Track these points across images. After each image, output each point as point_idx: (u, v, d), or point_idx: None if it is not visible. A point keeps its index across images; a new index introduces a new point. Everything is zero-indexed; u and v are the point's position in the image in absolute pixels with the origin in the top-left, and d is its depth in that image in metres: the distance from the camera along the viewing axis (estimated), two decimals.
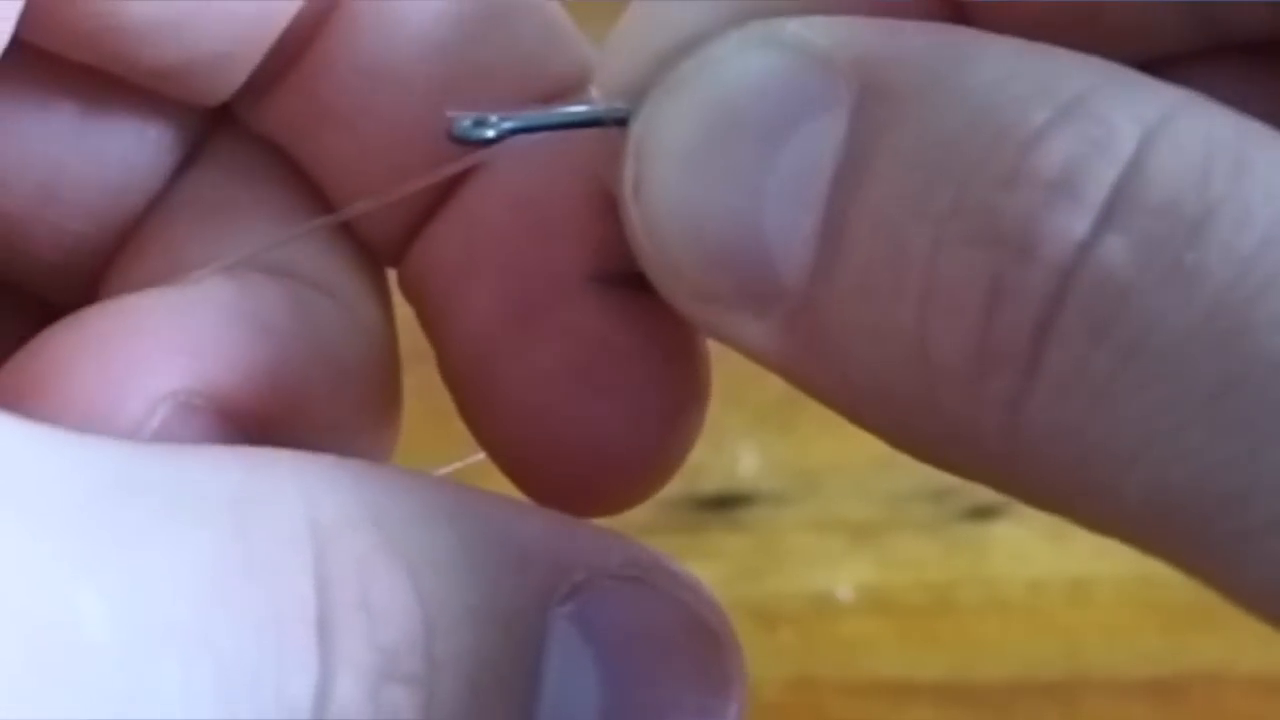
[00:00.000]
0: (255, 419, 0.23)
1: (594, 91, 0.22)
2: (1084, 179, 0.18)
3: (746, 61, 0.20)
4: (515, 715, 0.20)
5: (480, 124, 0.22)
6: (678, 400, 0.24)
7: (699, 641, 0.22)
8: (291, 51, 0.25)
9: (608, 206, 0.23)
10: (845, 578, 0.49)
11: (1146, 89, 0.19)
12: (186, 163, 0.26)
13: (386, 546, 0.20)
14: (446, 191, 0.25)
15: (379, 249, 0.26)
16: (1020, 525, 0.48)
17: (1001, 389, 0.18)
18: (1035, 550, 0.48)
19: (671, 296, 0.21)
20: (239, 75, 0.25)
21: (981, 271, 0.18)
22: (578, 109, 0.22)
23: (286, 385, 0.23)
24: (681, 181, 0.20)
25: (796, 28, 0.20)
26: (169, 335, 0.23)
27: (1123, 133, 0.18)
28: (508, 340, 0.24)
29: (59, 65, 0.25)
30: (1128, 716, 0.46)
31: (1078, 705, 0.47)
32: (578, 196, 0.24)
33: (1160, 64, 0.21)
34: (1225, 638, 0.43)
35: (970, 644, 0.48)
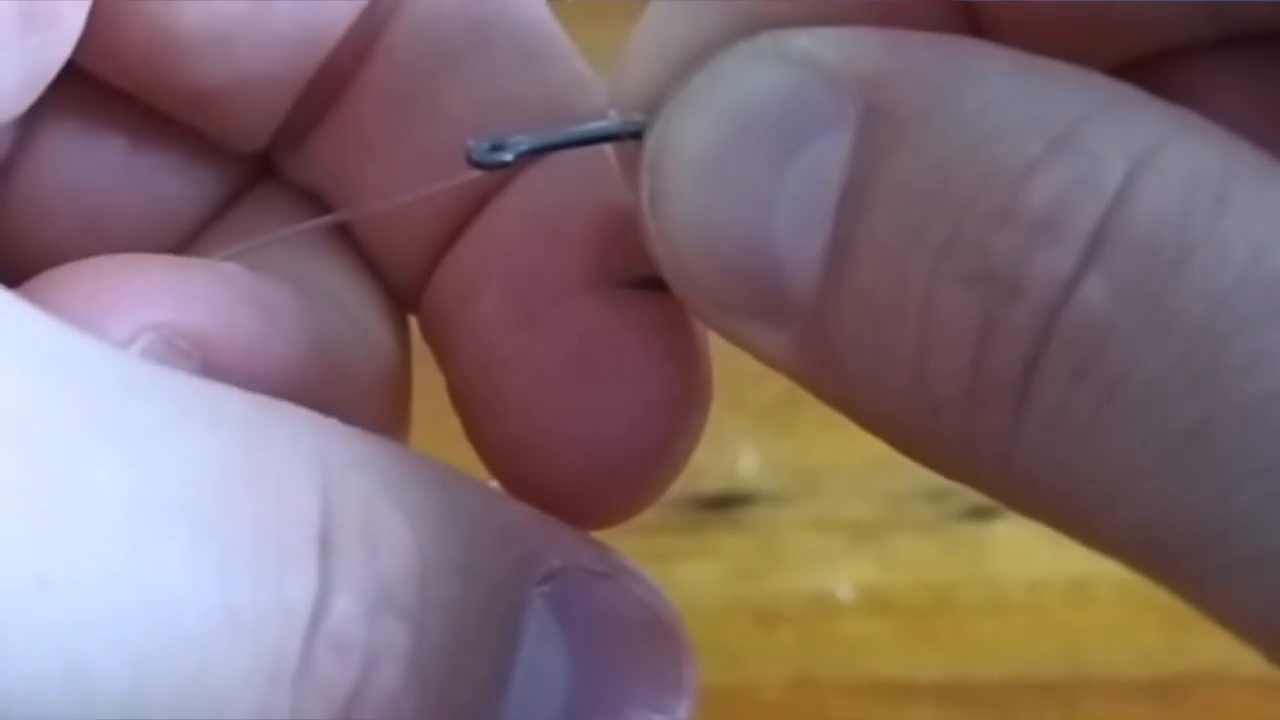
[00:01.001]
0: (241, 382, 0.23)
1: (610, 107, 0.22)
2: (1069, 218, 0.18)
3: (756, 77, 0.20)
4: (492, 680, 0.21)
5: (498, 148, 0.22)
6: (678, 399, 0.24)
7: (660, 642, 0.22)
8: (332, 87, 0.25)
9: (622, 212, 0.23)
10: (845, 578, 0.49)
11: (1138, 114, 0.19)
12: (225, 208, 0.27)
13: (389, 491, 0.21)
14: (463, 223, 0.25)
15: (401, 288, 0.26)
16: (1020, 525, 0.48)
17: (994, 423, 0.19)
18: (1035, 550, 0.48)
19: (690, 304, 0.21)
20: (281, 103, 0.25)
21: (974, 309, 0.19)
22: (594, 125, 0.22)
23: (278, 364, 0.23)
24: (695, 196, 0.20)
25: (805, 42, 0.20)
26: (163, 276, 0.23)
27: (1109, 167, 0.18)
28: (511, 340, 0.24)
29: (109, 98, 0.25)
30: (1128, 716, 0.46)
31: (1078, 705, 0.47)
32: (588, 203, 0.24)
33: (1171, 57, 0.21)
34: (1225, 638, 0.43)
35: (970, 644, 0.48)
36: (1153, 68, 0.21)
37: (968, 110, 0.19)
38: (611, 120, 0.22)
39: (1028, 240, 0.18)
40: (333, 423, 0.21)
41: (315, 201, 0.26)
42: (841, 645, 0.48)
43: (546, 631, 0.21)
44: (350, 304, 0.25)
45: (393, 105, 0.25)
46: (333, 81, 0.25)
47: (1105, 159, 0.18)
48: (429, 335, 0.26)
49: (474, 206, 0.25)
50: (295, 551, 0.20)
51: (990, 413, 0.19)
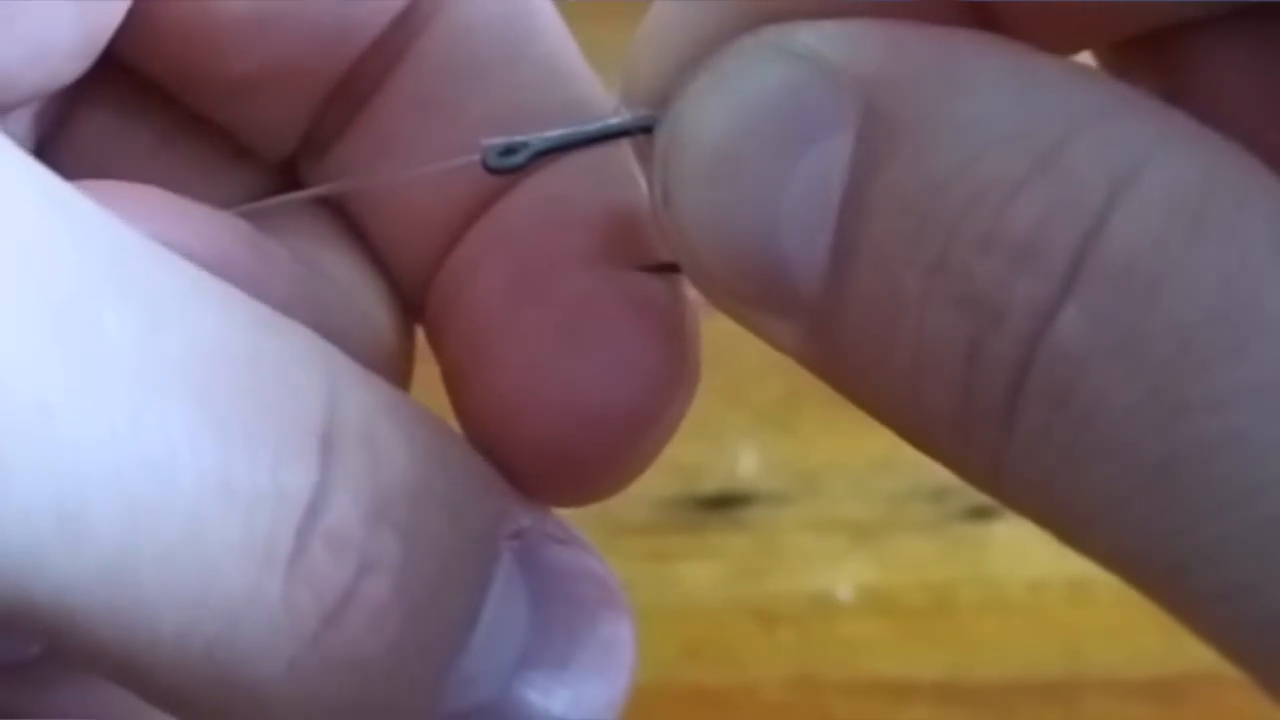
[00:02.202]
0: None
1: (621, 103, 0.23)
2: (1049, 246, 0.18)
3: (760, 75, 0.20)
4: (462, 620, 0.22)
5: (511, 151, 0.23)
6: (665, 375, 0.24)
7: (610, 613, 0.23)
8: (362, 90, 0.26)
9: (627, 200, 0.24)
10: (845, 578, 0.49)
11: (1125, 123, 0.19)
12: (247, 217, 0.27)
13: (390, 412, 0.21)
14: (472, 218, 0.25)
15: (409, 285, 0.26)
16: (1020, 525, 0.48)
17: (982, 441, 0.19)
18: (1035, 550, 0.48)
19: (706, 295, 0.22)
20: (312, 99, 0.26)
21: (961, 332, 0.19)
22: (606, 122, 0.23)
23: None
24: (704, 194, 0.21)
25: (807, 38, 0.20)
26: (164, 202, 0.24)
27: (1091, 190, 0.18)
28: (508, 309, 0.24)
29: (143, 94, 0.26)
30: (1128, 716, 0.46)
31: (1078, 705, 0.47)
32: (595, 191, 0.24)
33: (1177, 31, 0.21)
34: None
35: (970, 644, 0.48)
36: (1159, 42, 0.21)
37: (959, 121, 0.19)
38: (623, 117, 0.22)
39: (1009, 267, 0.18)
40: (336, 349, 0.22)
41: (337, 211, 0.27)
42: (841, 645, 0.48)
43: (512, 584, 0.22)
44: (354, 291, 0.26)
45: (420, 113, 0.25)
46: (363, 84, 0.26)
47: (1087, 180, 0.18)
48: (431, 328, 0.26)
49: (483, 202, 0.25)
50: (296, 441, 0.20)
51: (979, 431, 0.19)
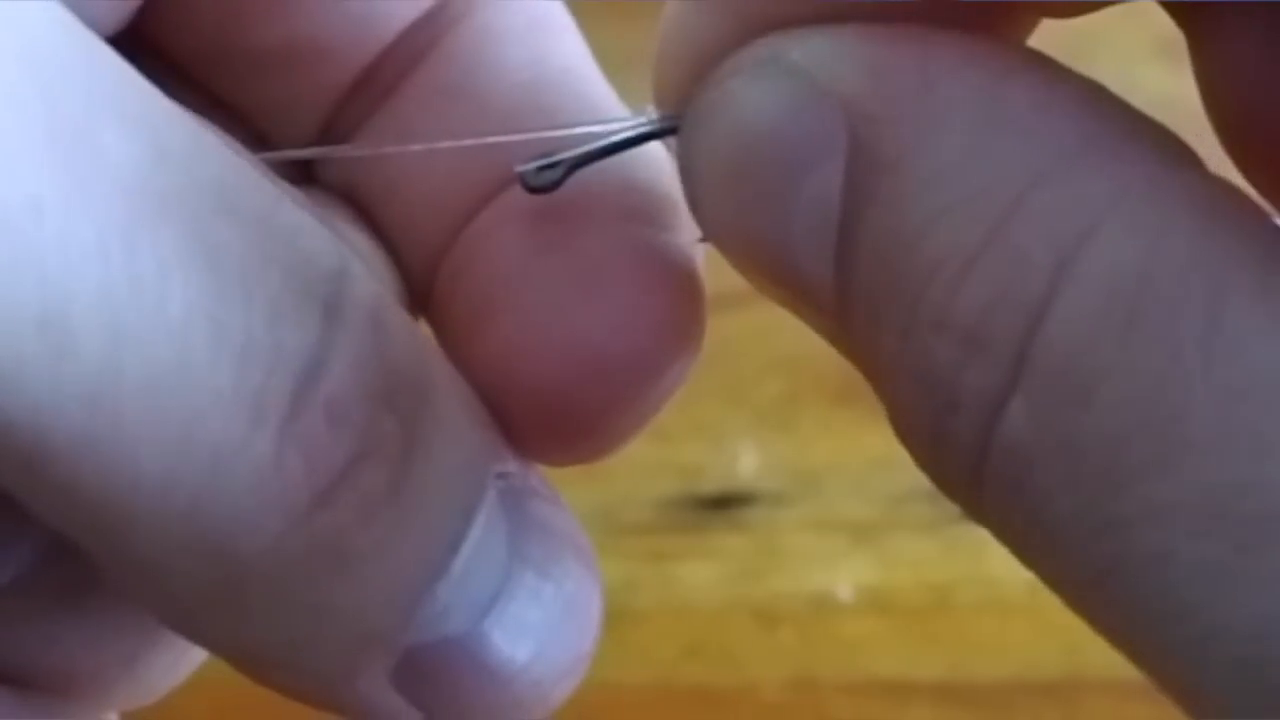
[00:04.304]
0: None
1: (651, 104, 0.23)
2: (995, 333, 0.18)
3: (759, 95, 0.20)
4: (446, 545, 0.21)
5: (548, 166, 0.23)
6: (672, 332, 0.24)
7: (583, 574, 0.23)
8: (386, 83, 0.26)
9: (649, 177, 0.24)
10: (845, 578, 0.49)
11: (1082, 179, 0.18)
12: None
13: (397, 310, 0.21)
14: (485, 201, 0.25)
15: (417, 274, 0.26)
16: None
17: (955, 496, 0.20)
18: None
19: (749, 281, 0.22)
20: (335, 83, 0.26)
21: (925, 410, 0.19)
22: (632, 125, 0.23)
23: None
24: (721, 205, 0.21)
25: (799, 56, 0.20)
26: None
27: (1035, 270, 0.18)
28: (519, 260, 0.24)
29: (160, 75, 0.26)
30: (1127, 716, 0.46)
31: (1078, 705, 0.47)
32: (620, 169, 0.24)
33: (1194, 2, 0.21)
34: None
35: (970, 644, 0.48)
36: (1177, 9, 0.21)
37: (925, 173, 0.19)
38: (650, 119, 0.23)
39: (961, 352, 0.18)
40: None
41: (348, 199, 0.27)
42: (841, 645, 0.48)
43: (494, 522, 0.22)
44: (363, 251, 0.26)
45: (442, 108, 0.25)
46: (387, 77, 0.26)
47: (1033, 259, 0.18)
48: (437, 306, 0.26)
49: (492, 195, 0.25)
50: (298, 300, 0.20)
51: (951, 490, 0.20)
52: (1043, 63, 0.20)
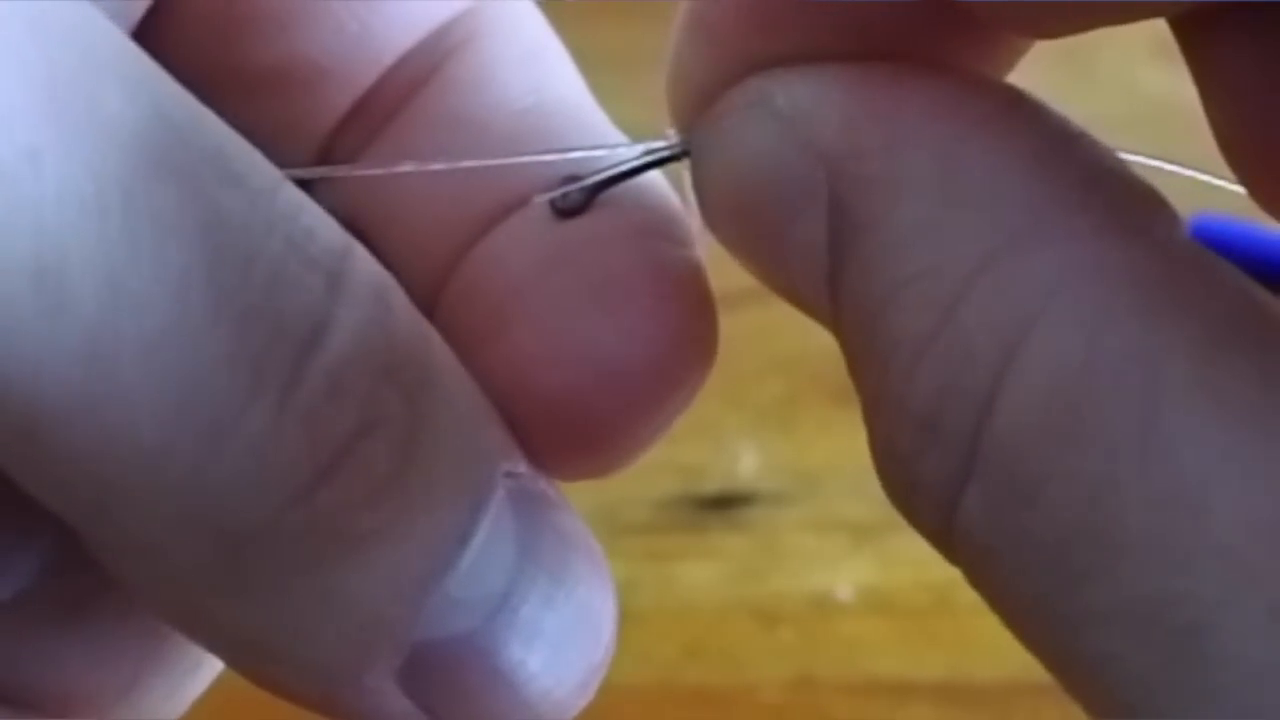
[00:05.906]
0: None
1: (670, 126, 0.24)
2: (948, 421, 0.18)
3: (750, 139, 0.21)
4: (453, 537, 0.21)
5: (572, 193, 0.24)
6: (687, 346, 0.24)
7: (596, 582, 0.22)
8: (385, 109, 0.26)
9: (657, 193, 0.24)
10: (845, 578, 0.49)
11: (1033, 256, 0.18)
12: None
13: (403, 295, 0.21)
14: (488, 226, 0.25)
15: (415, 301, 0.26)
16: None
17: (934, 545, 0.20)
18: None
19: None
20: (335, 105, 0.26)
21: (898, 479, 0.19)
22: (652, 150, 0.24)
23: None
24: (727, 231, 0.22)
25: (782, 103, 0.21)
26: None
27: (983, 359, 0.18)
28: (534, 274, 0.24)
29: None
30: None
31: (1077, 705, 0.47)
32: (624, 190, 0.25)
33: (1193, 13, 0.21)
34: None
35: (970, 644, 0.48)
36: (1177, 29, 0.21)
37: (887, 243, 0.19)
38: (669, 142, 0.23)
39: (919, 440, 0.19)
40: None
41: (348, 225, 0.27)
42: (841, 645, 0.48)
43: (503, 520, 0.21)
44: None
45: (442, 137, 0.25)
46: (387, 102, 0.26)
47: (978, 350, 0.18)
48: (439, 331, 0.26)
49: (494, 220, 0.25)
50: (300, 268, 0.19)
51: (929, 539, 0.20)
52: (1007, 110, 0.20)
